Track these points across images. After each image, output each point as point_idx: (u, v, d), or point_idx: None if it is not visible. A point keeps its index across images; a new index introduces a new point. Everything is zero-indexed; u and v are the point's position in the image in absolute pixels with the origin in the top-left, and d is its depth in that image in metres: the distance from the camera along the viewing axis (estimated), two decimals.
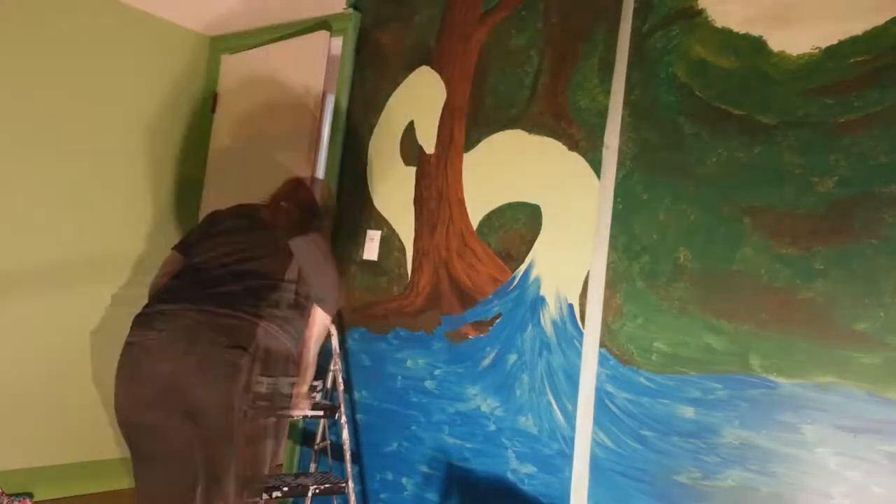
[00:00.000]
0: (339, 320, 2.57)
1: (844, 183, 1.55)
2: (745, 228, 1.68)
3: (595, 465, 1.86)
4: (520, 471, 2.02)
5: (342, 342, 2.53)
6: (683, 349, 1.74)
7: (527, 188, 2.12)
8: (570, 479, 1.91)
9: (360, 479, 2.41)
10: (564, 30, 2.10)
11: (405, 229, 2.42)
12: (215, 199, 3.14)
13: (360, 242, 2.56)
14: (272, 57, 2.93)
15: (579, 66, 2.04)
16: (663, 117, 1.85)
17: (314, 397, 2.26)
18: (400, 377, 2.35)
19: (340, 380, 2.34)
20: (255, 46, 3.04)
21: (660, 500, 1.74)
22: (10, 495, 2.73)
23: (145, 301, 2.09)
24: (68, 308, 2.91)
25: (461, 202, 2.28)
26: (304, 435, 2.64)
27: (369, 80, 2.63)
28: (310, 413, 2.26)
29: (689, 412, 1.72)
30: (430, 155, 2.39)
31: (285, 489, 2.20)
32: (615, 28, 1.97)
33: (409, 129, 2.46)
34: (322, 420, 2.49)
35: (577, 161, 2.01)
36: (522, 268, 2.09)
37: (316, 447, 2.53)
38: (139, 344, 1.91)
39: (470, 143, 2.28)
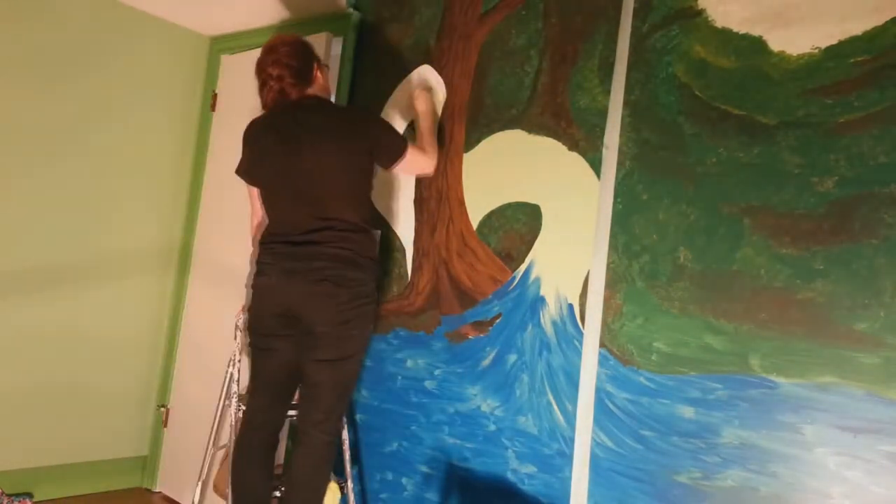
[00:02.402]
0: None
1: (844, 183, 1.55)
2: (745, 228, 1.68)
3: (595, 465, 1.86)
4: (520, 471, 2.02)
5: None
6: (683, 349, 1.74)
7: (527, 188, 2.12)
8: (570, 479, 1.91)
9: (360, 479, 2.42)
10: (564, 30, 2.10)
11: (405, 229, 2.43)
12: (215, 199, 3.14)
13: None
14: None
15: (579, 66, 2.04)
16: (663, 117, 1.85)
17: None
18: (400, 377, 2.35)
19: None
20: (255, 46, 3.04)
21: (660, 500, 1.74)
22: (10, 495, 2.73)
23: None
24: (69, 308, 2.91)
25: (461, 202, 2.28)
26: None
27: (369, 80, 2.63)
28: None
29: (689, 412, 1.72)
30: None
31: (284, 489, 2.20)
32: (615, 28, 1.97)
33: (409, 129, 2.46)
34: None
35: (577, 161, 2.01)
36: (522, 268, 2.09)
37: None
38: None
39: (470, 143, 2.28)
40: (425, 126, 2.29)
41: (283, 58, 2.04)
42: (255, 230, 2.26)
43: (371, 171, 2.11)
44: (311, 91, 2.10)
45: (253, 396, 2.11)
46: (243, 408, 2.17)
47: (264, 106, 2.12)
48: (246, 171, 2.17)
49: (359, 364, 2.09)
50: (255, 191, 2.19)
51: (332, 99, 2.48)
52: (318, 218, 1.97)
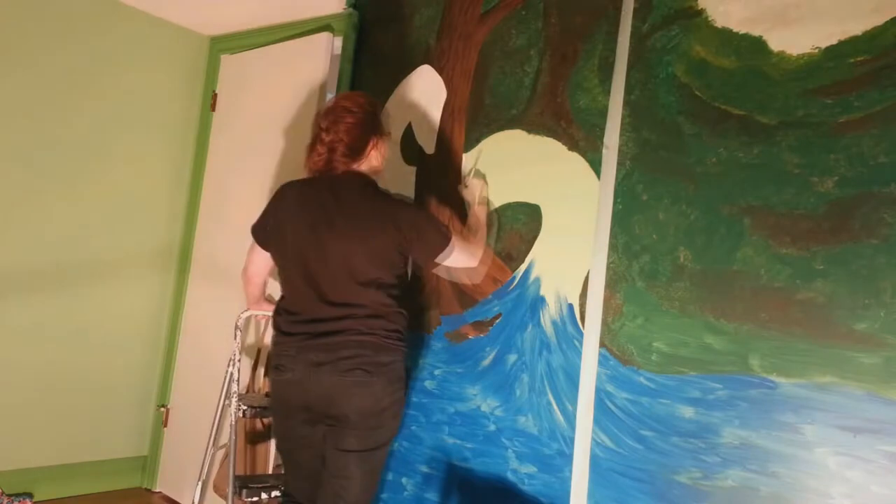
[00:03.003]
0: None
1: (844, 183, 1.55)
2: (745, 228, 1.68)
3: (595, 465, 1.86)
4: (520, 471, 2.02)
5: None
6: (683, 349, 1.74)
7: (527, 188, 2.12)
8: (570, 479, 1.91)
9: None
10: (564, 30, 2.10)
11: None
12: (215, 199, 3.14)
13: None
14: (272, 57, 2.93)
15: (579, 66, 2.04)
16: (663, 117, 1.85)
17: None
18: None
19: None
20: (255, 46, 3.04)
21: (660, 500, 1.74)
22: (10, 495, 2.73)
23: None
24: (69, 308, 2.91)
25: (461, 202, 2.27)
26: None
27: (369, 80, 2.63)
28: None
29: (689, 412, 1.72)
30: (430, 155, 2.39)
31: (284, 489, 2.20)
32: (615, 28, 1.97)
33: (409, 129, 2.46)
34: None
35: (577, 161, 2.01)
36: (522, 268, 2.09)
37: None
38: None
39: (470, 143, 2.28)
40: (479, 216, 2.15)
41: (343, 127, 1.90)
42: (249, 284, 2.19)
43: (401, 263, 1.91)
44: (358, 167, 1.94)
45: (295, 481, 2.01)
46: (244, 407, 2.17)
47: (307, 166, 1.98)
48: (262, 235, 2.01)
49: (387, 452, 1.94)
50: (259, 252, 2.05)
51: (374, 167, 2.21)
52: (336, 304, 1.82)
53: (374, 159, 1.97)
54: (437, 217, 2.09)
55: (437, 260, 1.92)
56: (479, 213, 2.16)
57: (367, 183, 1.93)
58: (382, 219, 1.85)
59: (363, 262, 1.83)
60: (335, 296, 1.83)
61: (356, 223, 1.84)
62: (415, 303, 2.35)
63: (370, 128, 1.94)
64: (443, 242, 1.90)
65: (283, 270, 1.95)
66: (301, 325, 1.85)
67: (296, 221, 1.90)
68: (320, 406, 1.82)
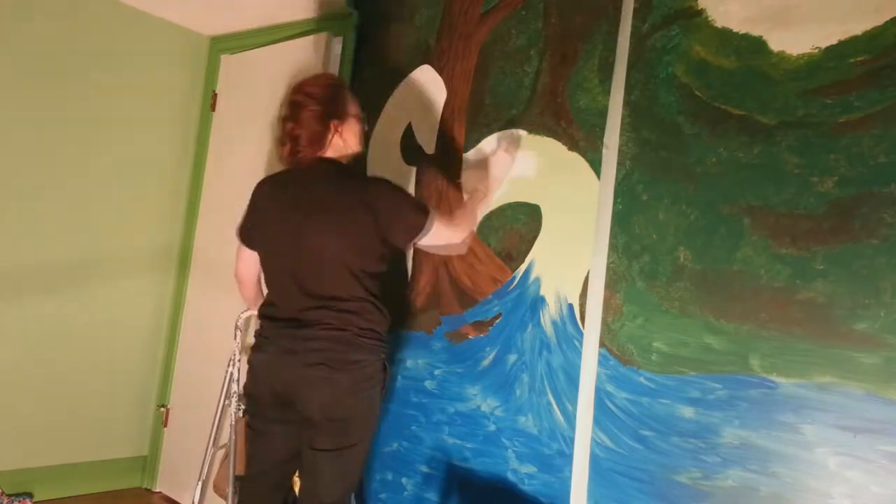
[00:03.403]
0: None
1: (844, 183, 1.55)
2: (745, 228, 1.68)
3: (595, 465, 1.86)
4: (520, 471, 2.02)
5: None
6: (683, 349, 1.74)
7: (527, 188, 2.12)
8: (570, 479, 1.91)
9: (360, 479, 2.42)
10: (564, 30, 2.10)
11: None
12: (215, 199, 3.14)
13: None
14: (272, 57, 2.93)
15: (579, 66, 2.04)
16: (663, 117, 1.85)
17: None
18: (400, 377, 2.35)
19: None
20: (255, 46, 3.04)
21: (660, 500, 1.74)
22: (10, 495, 2.73)
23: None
24: (69, 308, 2.91)
25: (461, 202, 2.27)
26: None
27: (369, 80, 2.63)
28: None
29: (689, 412, 1.72)
30: (430, 155, 2.39)
31: None
32: (615, 28, 1.97)
33: (409, 129, 2.46)
34: None
35: (577, 161, 2.01)
36: (522, 268, 2.09)
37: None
38: None
39: (470, 143, 2.28)
40: (479, 194, 2.08)
41: (302, 115, 1.86)
42: (243, 286, 2.17)
43: (381, 249, 1.86)
44: (323, 153, 1.89)
45: (247, 482, 2.00)
46: (243, 407, 2.17)
47: (280, 158, 1.95)
48: (245, 235, 2.01)
49: (364, 451, 1.90)
50: (246, 252, 2.03)
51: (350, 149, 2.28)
52: (313, 296, 1.80)
53: (339, 144, 1.91)
54: (412, 194, 2.05)
55: (417, 240, 1.86)
56: (489, 188, 2.08)
57: (335, 170, 1.90)
58: (357, 206, 1.81)
59: (341, 252, 1.81)
60: (313, 288, 1.82)
61: (330, 213, 1.82)
62: (413, 302, 2.35)
63: (330, 113, 1.88)
64: (421, 221, 1.83)
65: (266, 268, 1.95)
66: (282, 314, 1.85)
67: (272, 216, 1.90)
68: (285, 394, 1.80)
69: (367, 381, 1.82)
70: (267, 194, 1.96)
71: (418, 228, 1.83)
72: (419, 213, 1.84)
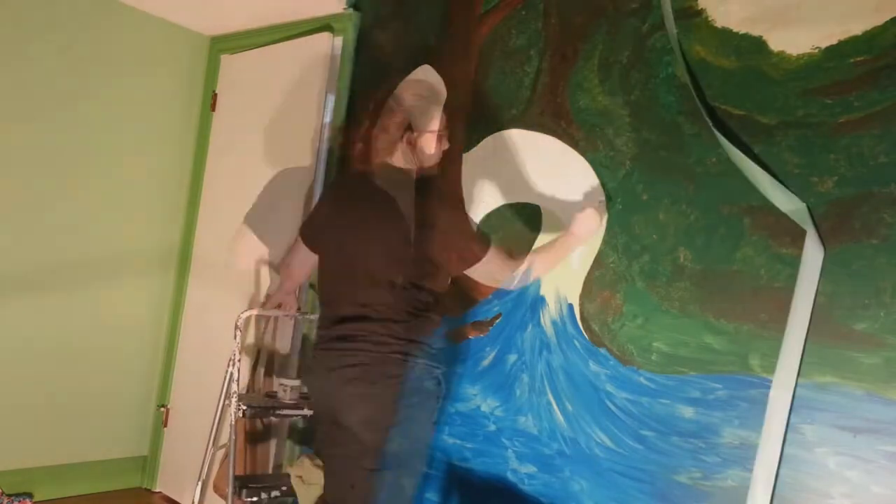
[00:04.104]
0: None
1: (844, 183, 1.55)
2: (745, 228, 1.68)
3: (595, 465, 1.86)
4: (520, 471, 2.02)
5: None
6: (683, 349, 1.74)
7: (527, 188, 2.12)
8: (570, 479, 1.91)
9: None
10: (564, 30, 2.10)
11: None
12: (215, 199, 3.14)
13: None
14: (272, 57, 2.93)
15: (579, 66, 2.04)
16: (663, 117, 1.85)
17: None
18: None
19: None
20: (255, 46, 3.04)
21: (660, 500, 1.74)
22: (10, 495, 2.73)
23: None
24: (69, 308, 2.91)
25: (461, 202, 2.27)
26: (303, 435, 2.64)
27: (369, 80, 2.63)
28: (308, 413, 2.26)
29: (689, 412, 1.72)
30: (430, 154, 2.38)
31: (284, 488, 2.20)
32: (615, 28, 1.97)
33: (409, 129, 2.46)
34: None
35: (577, 161, 2.01)
36: (522, 268, 2.09)
37: (315, 447, 2.52)
38: None
39: (470, 143, 2.28)
40: (562, 247, 1.93)
41: (389, 122, 1.85)
42: (289, 279, 2.22)
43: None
44: (392, 161, 1.88)
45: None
46: (243, 407, 2.17)
47: (352, 157, 1.95)
48: (309, 233, 2.01)
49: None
50: (302, 251, 2.03)
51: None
52: (358, 304, 1.77)
53: (409, 155, 1.89)
54: (472, 223, 1.99)
55: (469, 272, 1.83)
56: (566, 247, 1.94)
57: (398, 180, 1.87)
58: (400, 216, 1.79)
59: (391, 255, 1.78)
60: (359, 293, 1.79)
61: (386, 218, 1.81)
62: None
63: (411, 125, 1.86)
64: (477, 255, 1.81)
65: (325, 271, 1.93)
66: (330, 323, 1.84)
67: (336, 220, 1.89)
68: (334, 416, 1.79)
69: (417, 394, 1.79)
70: (335, 196, 1.96)
71: (474, 260, 1.82)
72: (478, 247, 1.83)
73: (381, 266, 1.78)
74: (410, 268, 1.79)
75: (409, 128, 1.86)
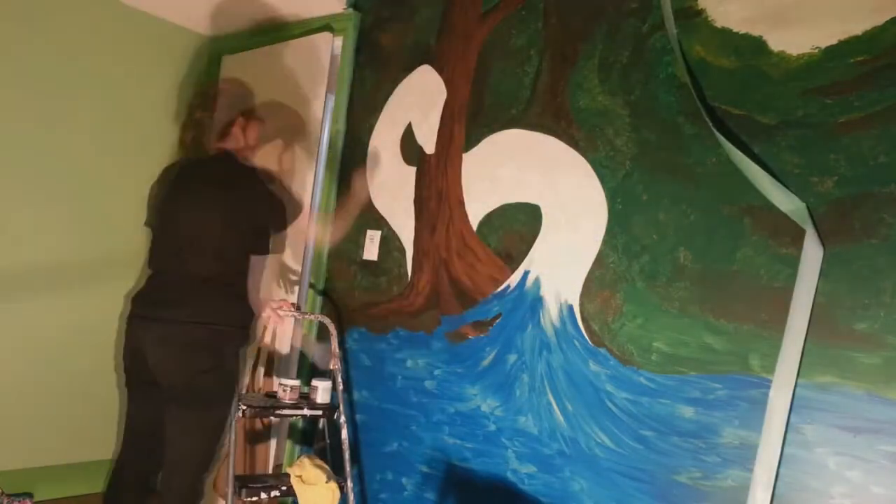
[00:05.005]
0: (338, 320, 2.57)
1: (844, 183, 1.55)
2: (745, 228, 1.68)
3: (595, 465, 1.86)
4: (520, 471, 2.02)
5: (342, 342, 2.54)
6: (683, 349, 1.74)
7: (527, 188, 2.12)
8: (570, 478, 1.91)
9: (360, 479, 2.42)
10: (564, 30, 2.10)
11: (405, 229, 2.43)
12: None
13: (359, 242, 2.56)
14: (272, 57, 2.93)
15: (579, 66, 2.04)
16: (663, 117, 1.85)
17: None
18: (400, 377, 2.35)
19: (340, 380, 2.34)
20: (255, 47, 3.04)
21: (660, 500, 1.74)
22: (10, 495, 2.73)
23: (141, 300, 2.24)
24: (68, 308, 2.91)
25: (461, 202, 2.27)
26: (303, 435, 2.65)
27: (369, 80, 2.63)
28: (308, 413, 2.26)
29: (689, 412, 1.72)
30: (430, 155, 2.39)
31: (283, 489, 2.20)
32: (615, 28, 1.97)
33: (409, 129, 2.46)
34: (321, 420, 2.49)
35: (577, 161, 2.01)
36: (522, 268, 2.09)
37: (315, 447, 2.52)
38: None
39: (470, 143, 2.28)
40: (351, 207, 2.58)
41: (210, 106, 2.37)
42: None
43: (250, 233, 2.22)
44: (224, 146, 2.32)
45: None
46: (243, 407, 2.18)
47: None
48: (147, 216, 2.39)
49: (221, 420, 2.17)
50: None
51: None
52: (181, 272, 2.14)
53: (240, 139, 2.34)
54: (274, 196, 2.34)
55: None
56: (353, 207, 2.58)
57: (231, 160, 2.30)
58: (235, 199, 2.21)
59: (218, 231, 2.16)
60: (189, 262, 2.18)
61: (212, 198, 2.20)
62: (413, 302, 2.35)
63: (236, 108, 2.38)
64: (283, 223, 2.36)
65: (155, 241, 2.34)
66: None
67: (168, 202, 2.28)
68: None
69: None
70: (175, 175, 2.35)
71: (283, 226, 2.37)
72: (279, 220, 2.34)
73: (210, 237, 2.14)
74: (239, 238, 2.18)
75: (241, 115, 2.34)
